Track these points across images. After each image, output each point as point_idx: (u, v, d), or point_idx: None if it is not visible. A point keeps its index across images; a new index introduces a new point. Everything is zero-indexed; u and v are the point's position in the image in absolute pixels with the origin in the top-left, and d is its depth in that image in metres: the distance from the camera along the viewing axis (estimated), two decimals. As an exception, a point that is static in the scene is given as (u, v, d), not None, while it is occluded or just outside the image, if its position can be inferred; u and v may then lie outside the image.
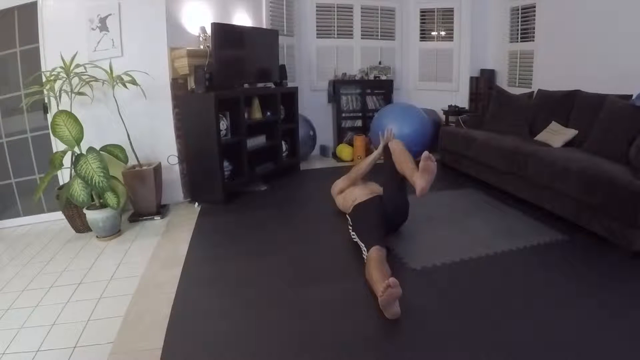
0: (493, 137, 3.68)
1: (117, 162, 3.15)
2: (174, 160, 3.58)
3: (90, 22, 3.25)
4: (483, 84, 4.92)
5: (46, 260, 2.66)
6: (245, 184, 3.85)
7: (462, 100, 5.19)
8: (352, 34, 5.33)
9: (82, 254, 2.74)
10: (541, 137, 3.50)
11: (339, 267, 2.37)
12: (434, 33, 5.39)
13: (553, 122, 3.52)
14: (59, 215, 3.24)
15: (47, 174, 2.98)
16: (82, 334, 1.84)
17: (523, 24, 4.57)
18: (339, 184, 3.15)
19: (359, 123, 5.37)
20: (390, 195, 2.66)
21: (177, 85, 3.56)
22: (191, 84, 3.54)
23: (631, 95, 2.97)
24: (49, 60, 3.16)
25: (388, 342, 1.70)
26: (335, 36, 5.27)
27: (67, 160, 3.00)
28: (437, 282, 2.15)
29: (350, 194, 2.95)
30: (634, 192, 2.22)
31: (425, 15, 5.37)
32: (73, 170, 2.79)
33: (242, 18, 4.24)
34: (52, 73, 2.94)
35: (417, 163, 2.39)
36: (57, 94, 2.98)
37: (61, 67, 2.94)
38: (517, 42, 4.68)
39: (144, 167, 3.28)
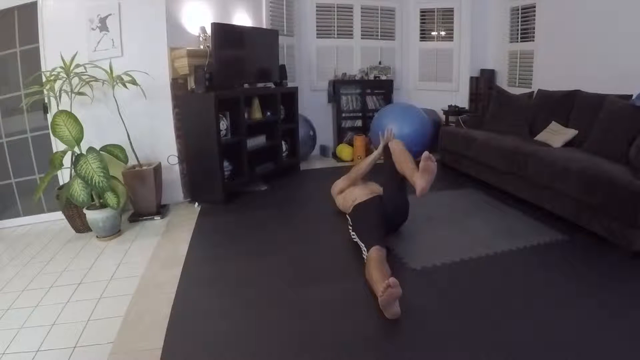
0: (493, 137, 3.68)
1: (117, 162, 3.15)
2: (174, 160, 3.58)
3: (90, 22, 3.25)
4: (483, 84, 4.92)
5: (46, 260, 2.66)
6: (245, 184, 3.85)
7: (462, 100, 5.19)
8: (352, 34, 5.33)
9: (82, 254, 2.74)
10: (541, 137, 3.50)
11: (339, 267, 2.37)
12: (434, 33, 5.39)
13: (553, 122, 3.52)
14: (59, 215, 3.24)
15: (47, 174, 2.98)
16: (82, 334, 1.84)
17: (523, 24, 4.57)
18: (339, 184, 3.15)
19: (359, 123, 5.37)
20: (390, 195, 2.66)
21: (177, 85, 3.56)
22: (191, 84, 3.54)
23: (631, 95, 2.97)
24: (49, 60, 3.16)
25: (388, 342, 1.70)
26: (335, 36, 5.27)
27: (67, 160, 3.00)
28: (437, 282, 2.15)
29: (350, 194, 2.95)
30: (634, 192, 2.22)
31: (425, 15, 5.37)
32: (73, 170, 2.80)
33: (242, 18, 4.24)
34: (52, 73, 2.94)
35: (417, 163, 2.39)
36: (57, 94, 2.98)
37: (61, 67, 2.94)
38: (517, 42, 4.68)
39: (144, 167, 3.28)
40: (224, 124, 3.54)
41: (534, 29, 4.39)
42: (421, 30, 5.44)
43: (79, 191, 2.76)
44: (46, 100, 3.24)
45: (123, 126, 3.21)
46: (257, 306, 1.99)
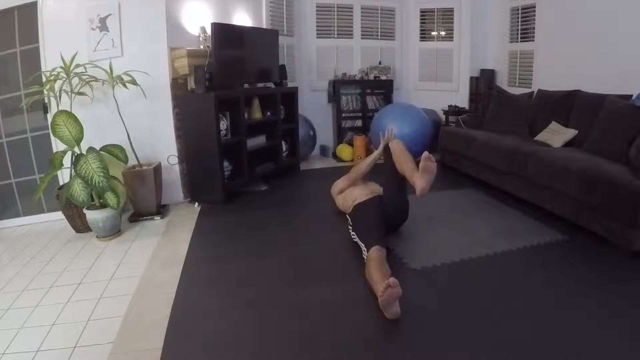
0: (493, 137, 3.68)
1: (117, 162, 3.15)
2: (174, 160, 3.58)
3: (90, 22, 3.25)
4: (483, 84, 4.92)
5: (46, 260, 2.66)
6: (245, 184, 3.85)
7: (462, 100, 5.19)
8: (352, 34, 5.32)
9: (82, 254, 2.74)
10: (541, 137, 3.50)
11: (339, 267, 2.37)
12: (434, 33, 5.39)
13: (553, 122, 3.52)
14: (59, 215, 3.24)
15: (47, 174, 2.98)
16: (82, 334, 1.84)
17: (523, 24, 4.57)
18: (339, 184, 3.15)
19: (359, 123, 5.37)
20: (390, 195, 2.66)
21: (177, 85, 3.56)
22: (191, 84, 3.54)
23: (631, 95, 2.97)
24: (49, 60, 3.16)
25: (388, 342, 1.70)
26: (335, 36, 5.27)
27: (67, 160, 3.00)
28: (437, 282, 2.15)
29: (350, 194, 2.95)
30: (634, 192, 2.22)
31: (425, 15, 5.37)
32: (73, 170, 2.80)
33: (242, 18, 4.24)
34: (52, 73, 2.94)
35: (417, 163, 2.39)
36: (57, 94, 2.98)
37: (61, 67, 2.94)
38: (517, 42, 4.68)
39: (144, 167, 3.28)
40: (224, 124, 3.54)
41: (534, 29, 4.39)
42: (421, 30, 5.44)
43: (79, 191, 2.76)
44: (46, 100, 3.24)
45: (123, 126, 3.21)
46: (257, 306, 1.99)
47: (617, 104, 2.92)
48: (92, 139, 3.07)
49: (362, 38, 5.36)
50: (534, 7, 4.33)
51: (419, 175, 2.33)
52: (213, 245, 2.82)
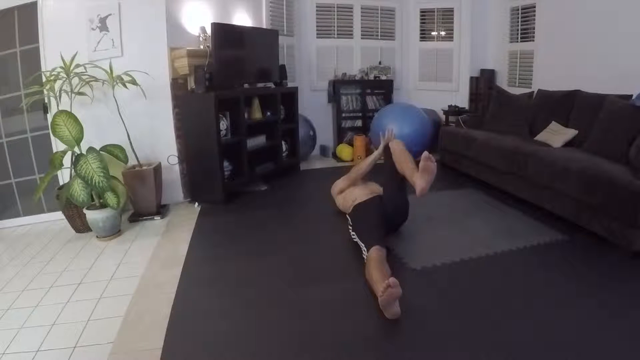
0: (493, 137, 3.68)
1: (117, 162, 3.15)
2: (174, 160, 3.58)
3: (90, 22, 3.25)
4: (483, 84, 4.92)
5: (46, 260, 2.66)
6: (245, 184, 3.85)
7: (462, 100, 5.19)
8: (352, 34, 5.32)
9: (82, 254, 2.74)
10: (541, 137, 3.50)
11: (339, 267, 2.37)
12: (434, 33, 5.39)
13: (553, 122, 3.52)
14: (59, 215, 3.24)
15: (47, 174, 2.98)
16: (82, 334, 1.84)
17: (523, 24, 4.57)
18: (339, 184, 3.15)
19: (359, 123, 5.37)
20: (390, 195, 2.66)
21: (177, 85, 3.56)
22: (191, 84, 3.54)
23: (631, 95, 2.97)
24: (49, 60, 3.16)
25: (388, 342, 1.70)
26: (335, 36, 5.27)
27: (67, 160, 3.00)
28: (437, 282, 2.15)
29: (350, 194, 2.95)
30: (634, 192, 2.22)
31: (425, 15, 5.37)
32: (73, 170, 2.80)
33: (242, 18, 4.24)
34: (52, 73, 2.94)
35: (417, 163, 2.39)
36: (57, 94, 2.98)
37: (61, 67, 2.94)
38: (517, 42, 4.68)
39: (144, 167, 3.28)
40: (224, 124, 3.54)
41: (534, 29, 4.39)
42: (421, 30, 5.44)
43: (79, 191, 2.76)
44: (46, 100, 3.24)
45: (123, 126, 3.21)
46: (257, 306, 1.99)
47: (617, 104, 2.92)
48: (92, 139, 3.07)
49: (362, 38, 5.36)
50: (534, 7, 4.33)
51: (419, 175, 2.33)
52: (213, 245, 2.82)
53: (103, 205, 2.90)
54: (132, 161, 3.27)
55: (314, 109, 5.20)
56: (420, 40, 5.46)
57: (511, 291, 2.04)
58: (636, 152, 2.50)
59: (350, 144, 5.09)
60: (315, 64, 5.25)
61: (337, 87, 5.17)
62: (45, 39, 3.22)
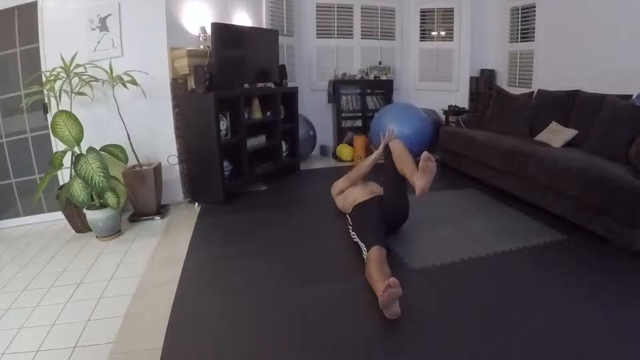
0: (493, 137, 3.68)
1: (117, 162, 3.15)
2: (174, 160, 3.58)
3: (90, 22, 3.25)
4: (483, 84, 4.92)
5: (46, 260, 2.66)
6: (245, 184, 3.85)
7: (462, 100, 5.19)
8: (352, 34, 5.33)
9: (82, 254, 2.74)
10: (541, 137, 3.50)
11: (339, 267, 2.37)
12: (434, 33, 5.39)
13: (553, 122, 3.52)
14: (59, 215, 3.24)
15: (47, 174, 2.98)
16: (82, 334, 1.84)
17: (523, 24, 4.57)
18: (339, 184, 3.15)
19: (359, 123, 5.37)
20: (390, 195, 2.66)
21: (177, 85, 3.56)
22: (191, 84, 3.54)
23: (631, 95, 2.97)
24: (49, 60, 3.16)
25: (388, 342, 1.70)
26: (335, 36, 5.27)
27: (67, 160, 3.00)
28: (437, 282, 2.15)
29: (350, 194, 2.95)
30: (634, 192, 2.22)
31: (425, 15, 5.37)
32: (73, 170, 2.79)
33: (242, 18, 4.24)
34: (52, 73, 2.94)
35: (417, 163, 2.39)
36: (57, 94, 2.98)
37: (61, 67, 2.94)
38: (517, 42, 4.68)
39: (144, 167, 3.28)
40: (224, 124, 3.53)
41: (534, 29, 4.39)
42: (421, 30, 5.44)
43: (79, 191, 2.76)
44: (46, 100, 3.23)
45: (123, 126, 3.21)
46: (257, 306, 1.99)
47: (617, 104, 2.92)
48: (92, 139, 3.07)
49: (362, 38, 5.36)
50: (534, 7, 4.33)
51: (419, 175, 2.33)
52: (213, 245, 2.82)
53: (103, 205, 2.89)
54: (132, 161, 3.27)
55: (314, 109, 5.20)
56: (420, 40, 5.46)
57: (511, 291, 2.04)
58: (636, 152, 2.51)
59: (350, 144, 5.09)
60: (315, 64, 5.25)
61: (337, 87, 5.17)
62: (45, 39, 3.22)
